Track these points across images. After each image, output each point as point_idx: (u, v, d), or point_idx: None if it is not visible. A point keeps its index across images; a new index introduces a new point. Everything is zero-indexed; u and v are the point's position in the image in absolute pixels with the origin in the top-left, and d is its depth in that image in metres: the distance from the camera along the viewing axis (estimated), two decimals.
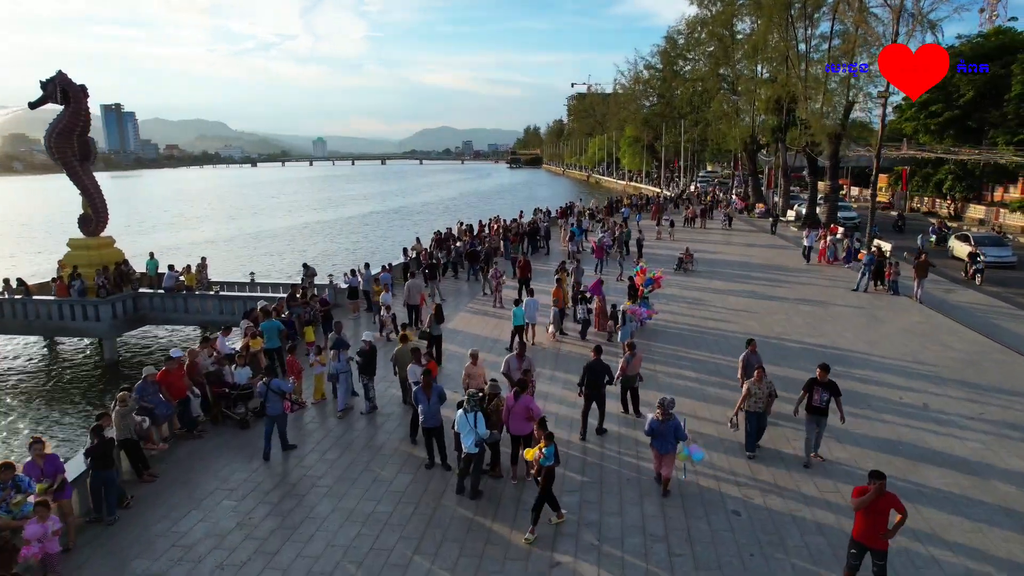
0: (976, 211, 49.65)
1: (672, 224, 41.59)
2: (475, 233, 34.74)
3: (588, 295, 19.10)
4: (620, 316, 17.64)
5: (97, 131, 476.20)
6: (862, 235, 37.29)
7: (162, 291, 23.09)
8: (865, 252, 31.86)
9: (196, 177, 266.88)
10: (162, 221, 79.46)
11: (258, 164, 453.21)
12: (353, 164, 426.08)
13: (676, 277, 28.14)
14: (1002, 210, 46.49)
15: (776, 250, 35.73)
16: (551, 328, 19.24)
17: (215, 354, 14.29)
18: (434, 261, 25.54)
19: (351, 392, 14.38)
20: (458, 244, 30.49)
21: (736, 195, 67.28)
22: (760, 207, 54.78)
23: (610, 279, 28.09)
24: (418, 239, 31.05)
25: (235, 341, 16.27)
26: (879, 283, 25.48)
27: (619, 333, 17.38)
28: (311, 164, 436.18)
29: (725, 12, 58.20)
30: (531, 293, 19.74)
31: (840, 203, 47.75)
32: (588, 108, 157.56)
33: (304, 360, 15.81)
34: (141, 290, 23.97)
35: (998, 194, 54.85)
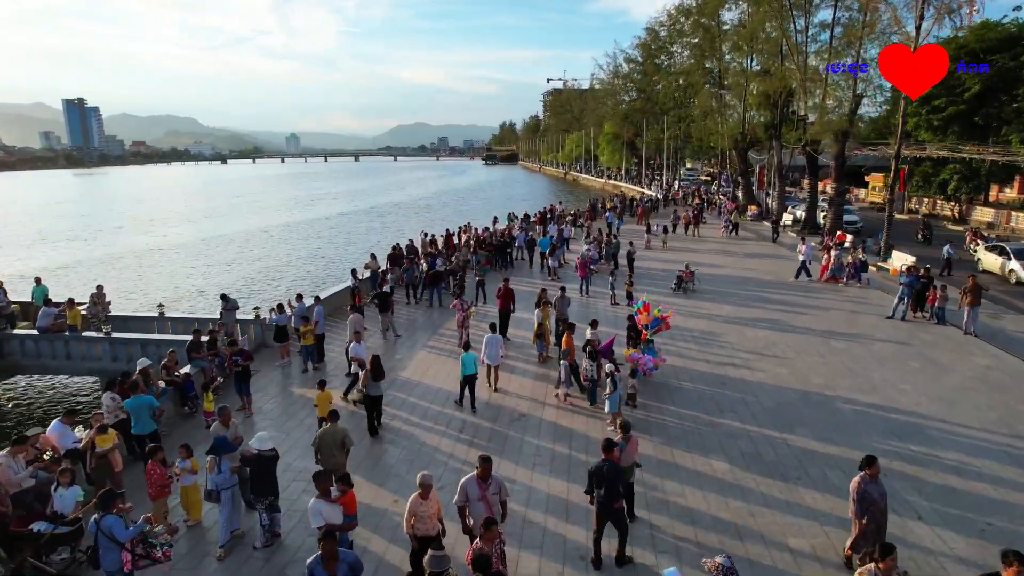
0: (984, 213, 46.28)
1: (667, 231, 37.52)
2: (442, 246, 30.26)
3: (594, 351, 14.40)
4: (609, 380, 12.91)
5: (59, 126, 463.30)
6: (871, 244, 33.42)
7: (36, 331, 18.18)
8: (877, 266, 28.05)
9: (162, 175, 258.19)
10: (111, 225, 73.70)
11: (228, 161, 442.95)
12: (326, 161, 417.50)
13: (676, 300, 24.00)
14: (1014, 213, 43.13)
15: (783, 262, 31.69)
16: (560, 390, 14.93)
17: (40, 458, 9.71)
18: (386, 288, 21.00)
19: (240, 513, 9.88)
20: (421, 261, 26.01)
21: (723, 196, 63.48)
22: (753, 209, 50.97)
23: (597, 302, 23.83)
24: (373, 256, 26.44)
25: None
26: (919, 310, 21.49)
27: (607, 402, 13.02)
28: (283, 161, 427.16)
29: (712, 0, 54.22)
30: (494, 328, 15.52)
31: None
32: (565, 104, 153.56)
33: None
34: (16, 330, 18.96)
35: (993, 193, 51.74)
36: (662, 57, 78.98)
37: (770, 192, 52.78)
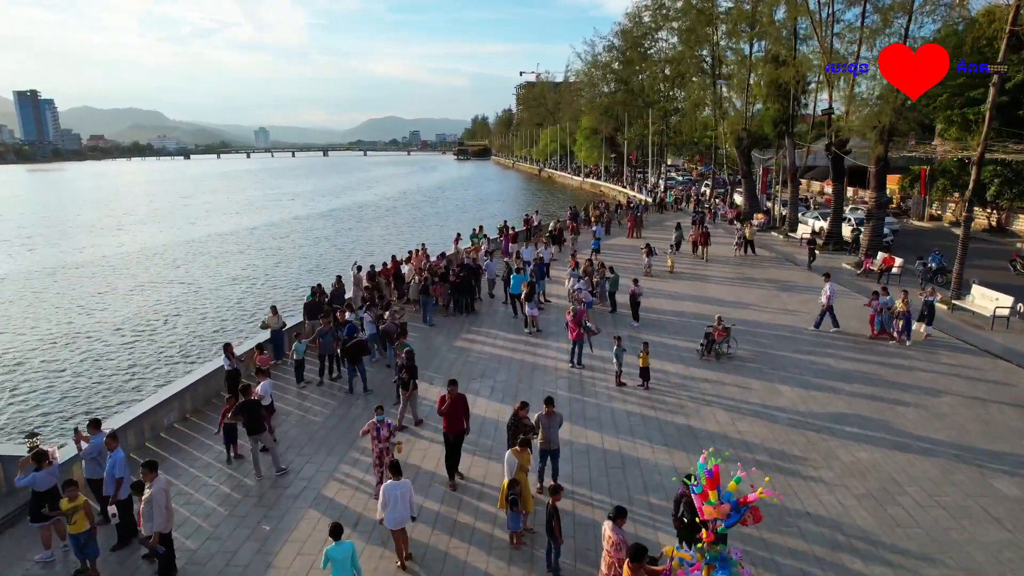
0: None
1: (673, 249, 30.41)
2: (376, 287, 22.74)
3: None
4: None
5: (10, 118, 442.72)
6: (935, 273, 26.46)
7: None
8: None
9: (118, 171, 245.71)
10: (21, 233, 64.59)
11: (191, 156, 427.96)
12: (293, 156, 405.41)
13: (708, 372, 16.85)
14: None
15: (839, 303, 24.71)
16: None
17: None
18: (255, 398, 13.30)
19: None
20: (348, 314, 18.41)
21: (717, 199, 56.61)
22: (759, 218, 44.09)
23: (596, 383, 16.48)
24: (274, 309, 18.75)
25: None
26: None
27: None
28: (248, 156, 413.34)
29: None
30: (397, 471, 8.63)
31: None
32: (538, 97, 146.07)
33: None
34: None
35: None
36: (646, 44, 71.89)
37: (773, 195, 46.00)
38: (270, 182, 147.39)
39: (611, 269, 23.35)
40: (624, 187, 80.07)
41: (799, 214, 42.51)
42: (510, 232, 34.58)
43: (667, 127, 72.23)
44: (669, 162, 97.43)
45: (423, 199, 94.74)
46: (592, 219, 42.49)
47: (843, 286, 26.06)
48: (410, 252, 27.34)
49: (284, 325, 17.92)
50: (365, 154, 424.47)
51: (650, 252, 29.01)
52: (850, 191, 60.03)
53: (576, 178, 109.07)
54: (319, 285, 20.82)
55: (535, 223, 40.26)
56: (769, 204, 49.94)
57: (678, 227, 36.92)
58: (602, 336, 18.56)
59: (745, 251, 34.05)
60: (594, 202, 49.07)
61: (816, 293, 23.10)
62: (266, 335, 17.87)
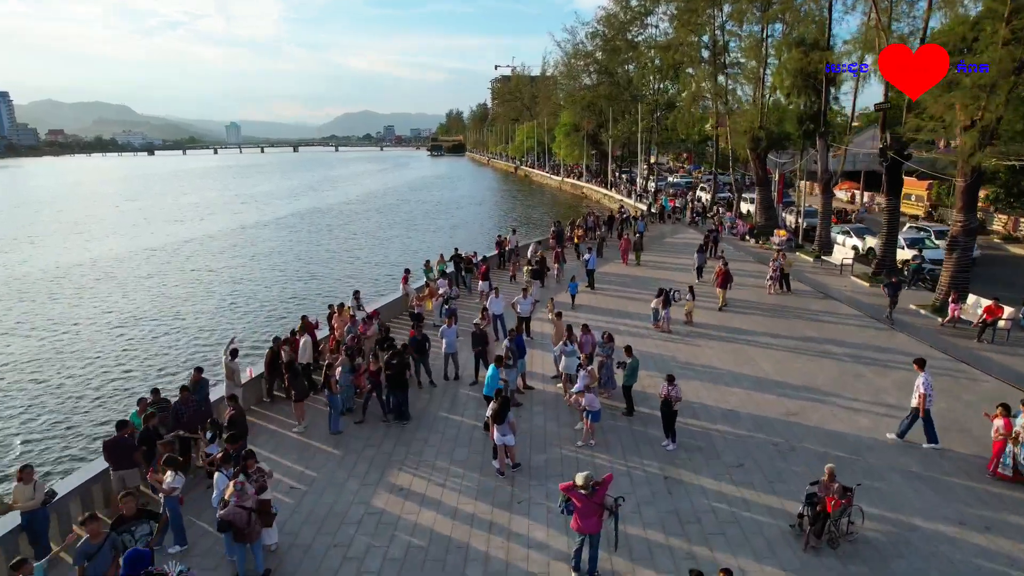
0: None
1: (692, 294, 22.51)
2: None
3: None
4: None
5: None
6: None
7: None
8: None
9: (75, 168, 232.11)
10: None
11: (156, 152, 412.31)
12: (263, 152, 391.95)
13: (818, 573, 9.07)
14: None
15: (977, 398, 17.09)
16: None
17: None
18: None
19: None
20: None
21: (721, 207, 49.08)
22: (780, 235, 36.58)
23: None
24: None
25: None
26: None
27: None
28: (215, 152, 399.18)
29: None
30: None
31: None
32: (513, 91, 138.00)
33: None
34: None
35: None
36: (634, 30, 64.24)
37: (797, 208, 38.56)
38: (229, 181, 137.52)
39: (628, 350, 15.34)
40: (609, 190, 72.41)
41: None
42: (480, 267, 26.52)
43: (657, 124, 64.69)
44: (652, 160, 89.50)
45: (390, 202, 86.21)
46: (576, 237, 34.61)
47: (923, 344, 18.57)
48: (331, 308, 19.28)
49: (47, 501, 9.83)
50: (336, 150, 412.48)
51: (667, 302, 21.13)
52: (865, 196, 53.05)
53: (555, 178, 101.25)
54: (185, 389, 12.83)
55: (510, 246, 32.33)
56: (788, 217, 42.54)
57: (702, 248, 29.45)
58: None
59: (781, 287, 26.43)
60: (582, 215, 41.18)
61: (906, 362, 15.63)
62: None
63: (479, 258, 28.24)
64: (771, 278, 26.10)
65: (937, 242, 31.53)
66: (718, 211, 46.67)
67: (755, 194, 43.12)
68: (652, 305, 21.48)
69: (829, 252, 33.53)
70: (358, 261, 42.76)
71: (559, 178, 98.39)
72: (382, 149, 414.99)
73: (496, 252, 32.01)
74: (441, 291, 22.62)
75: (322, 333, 18.85)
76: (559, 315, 17.50)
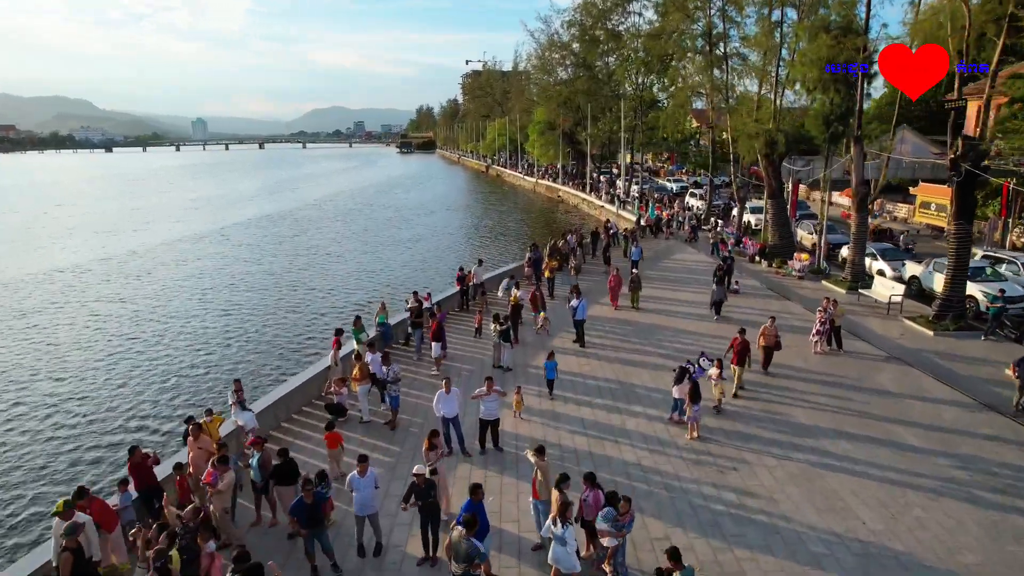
0: None
1: (720, 373, 15.89)
2: None
3: None
4: None
5: None
6: None
7: None
8: None
9: (20, 167, 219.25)
10: None
11: (115, 149, 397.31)
12: (227, 149, 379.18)
13: None
14: None
15: None
16: None
17: None
18: None
19: None
20: None
21: (720, 220, 42.90)
22: (801, 258, 30.46)
23: None
24: None
25: None
26: None
27: None
28: (178, 149, 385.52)
29: None
30: None
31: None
32: (484, 85, 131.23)
33: None
34: None
35: None
36: (615, 18, 57.87)
37: (819, 227, 32.46)
38: (182, 183, 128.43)
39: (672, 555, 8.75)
40: (588, 194, 66.07)
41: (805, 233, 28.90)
42: (435, 313, 19.81)
43: (641, 122, 58.43)
44: (630, 159, 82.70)
45: (352, 206, 78.82)
46: (548, 270, 27.78)
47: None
48: (188, 425, 12.53)
49: None
50: (304, 147, 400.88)
51: (696, 394, 14.50)
52: (845, 200, 47.21)
53: (528, 178, 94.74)
54: None
55: (474, 280, 25.68)
56: (800, 232, 36.51)
57: (720, 278, 23.44)
58: None
59: (830, 343, 20.16)
60: (562, 234, 34.57)
61: None
62: None
63: (432, 302, 21.53)
64: (818, 332, 19.75)
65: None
66: (717, 225, 40.49)
67: (763, 204, 37.03)
68: (674, 394, 15.00)
69: (864, 281, 27.46)
70: (294, 297, 35.10)
71: (533, 179, 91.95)
72: (351, 146, 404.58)
73: (458, 288, 25.34)
74: (375, 362, 15.91)
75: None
76: (541, 453, 10.85)
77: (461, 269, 25.55)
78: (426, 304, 20.98)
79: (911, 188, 44.76)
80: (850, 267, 28.11)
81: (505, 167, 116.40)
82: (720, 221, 41.53)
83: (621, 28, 58.51)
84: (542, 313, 22.21)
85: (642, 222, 41.89)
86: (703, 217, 45.09)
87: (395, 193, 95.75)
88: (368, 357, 15.93)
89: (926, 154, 40.26)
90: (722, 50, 38.64)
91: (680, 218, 43.02)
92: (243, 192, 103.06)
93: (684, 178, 70.62)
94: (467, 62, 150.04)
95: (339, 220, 65.81)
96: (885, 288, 25.35)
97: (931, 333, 21.79)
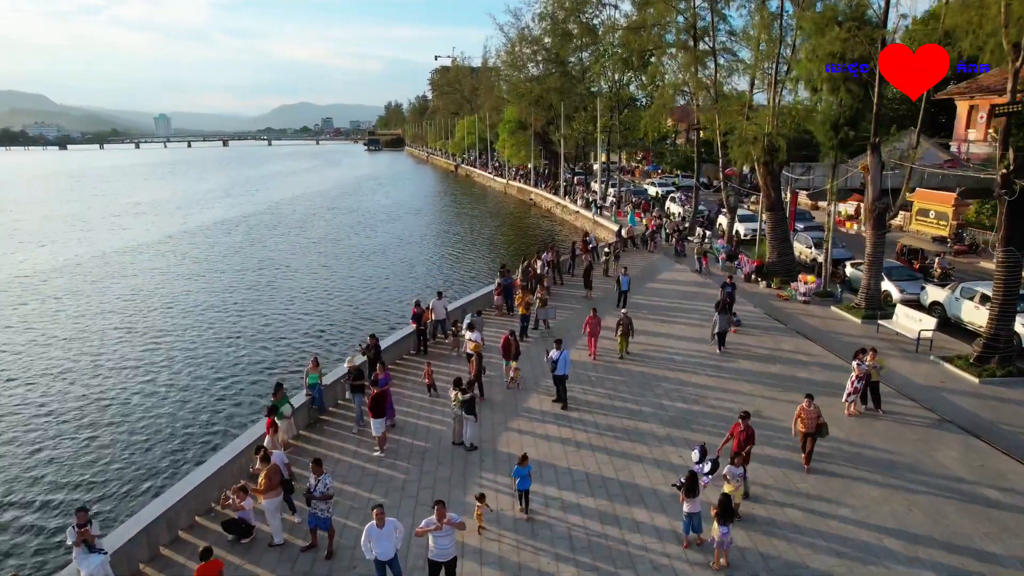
0: None
1: (741, 464, 12.05)
2: None
3: None
4: None
5: None
6: None
7: None
8: None
9: None
10: None
11: (69, 146, 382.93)
12: (189, 146, 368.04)
13: None
14: None
15: None
16: None
17: None
18: None
19: None
20: None
21: (705, 229, 39.33)
22: (807, 280, 26.94)
23: None
24: None
25: None
26: None
27: None
28: (137, 147, 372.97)
29: None
30: None
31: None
32: (452, 82, 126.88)
33: None
34: None
35: None
36: (589, 10, 54.09)
37: (826, 244, 29.01)
38: (135, 183, 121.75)
39: None
40: (562, 198, 62.28)
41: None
42: (377, 378, 15.71)
43: (618, 122, 54.77)
44: (604, 158, 78.50)
45: (310, 211, 73.84)
46: (521, 305, 23.47)
47: None
48: None
49: None
50: (270, 144, 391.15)
51: (726, 513, 10.62)
52: (842, 207, 44.08)
53: (499, 179, 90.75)
54: None
55: (433, 317, 21.60)
56: (801, 248, 33.10)
57: (725, 306, 19.88)
58: None
59: (865, 402, 16.52)
60: (536, 252, 30.58)
61: None
62: None
63: (368, 353, 17.44)
64: (855, 391, 16.03)
65: None
66: (705, 236, 36.92)
67: (752, 212, 33.55)
68: (685, 508, 11.11)
69: (882, 308, 24.01)
70: (224, 338, 29.57)
71: (504, 180, 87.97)
72: (318, 143, 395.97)
73: (413, 327, 21.21)
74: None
75: None
76: None
77: (418, 304, 21.36)
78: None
79: (908, 194, 41.60)
80: (864, 292, 24.61)
81: (475, 166, 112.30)
82: (707, 232, 37.99)
83: (596, 21, 54.83)
84: (513, 363, 18.26)
85: (623, 233, 38.15)
86: (688, 226, 41.53)
87: (360, 196, 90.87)
88: (275, 457, 11.78)
89: (934, 158, 37.17)
90: (710, 45, 35.15)
91: (668, 229, 39.30)
92: (199, 194, 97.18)
93: (675, 179, 66.85)
94: (436, 57, 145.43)
95: (294, 229, 60.78)
96: (912, 321, 21.84)
97: (975, 380, 18.34)
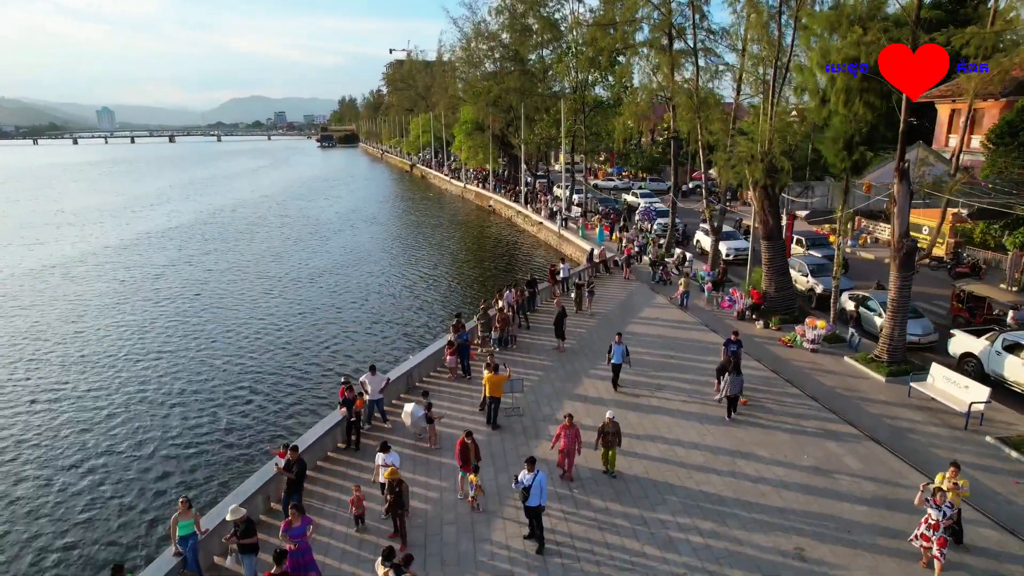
0: None
1: None
2: None
3: None
4: None
5: None
6: None
7: None
8: None
9: None
10: None
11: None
12: (133, 142, 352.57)
13: None
14: None
15: None
16: None
17: None
18: None
19: None
20: None
21: (681, 252, 35.27)
22: (815, 324, 22.95)
23: None
24: None
25: None
26: None
27: None
28: (75, 142, 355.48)
29: None
30: None
31: None
32: (406, 77, 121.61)
33: None
34: None
35: None
36: (551, 4, 49.68)
37: (836, 279, 25.10)
38: (65, 186, 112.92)
39: None
40: (523, 206, 57.85)
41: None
42: (288, 518, 11.02)
43: (584, 127, 50.52)
44: (566, 160, 73.39)
45: (250, 220, 67.70)
46: (488, 385, 18.51)
47: None
48: None
49: None
50: (219, 139, 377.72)
51: None
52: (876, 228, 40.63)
53: (456, 183, 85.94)
54: None
55: (369, 397, 16.90)
56: (796, 276, 29.20)
57: (733, 367, 15.94)
58: None
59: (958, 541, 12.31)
60: (498, 291, 25.98)
61: None
62: None
63: (290, 473, 12.73)
64: (939, 525, 11.69)
65: None
66: (685, 259, 32.85)
67: (735, 230, 29.58)
68: None
69: (907, 361, 20.19)
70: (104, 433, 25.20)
71: (461, 183, 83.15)
72: (270, 138, 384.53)
73: (343, 415, 16.39)
74: None
75: None
76: None
77: (348, 386, 16.45)
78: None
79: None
80: (887, 343, 20.73)
81: (430, 167, 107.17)
82: (687, 255, 33.89)
83: (558, 16, 50.43)
84: (473, 477, 13.70)
85: (595, 257, 33.86)
86: (663, 245, 37.46)
87: (310, 200, 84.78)
88: None
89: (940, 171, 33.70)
90: (689, 44, 31.09)
91: (651, 255, 34.75)
92: (132, 200, 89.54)
93: (641, 183, 62.96)
94: (391, 51, 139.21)
95: (230, 244, 54.69)
96: (955, 387, 17.97)
97: None
